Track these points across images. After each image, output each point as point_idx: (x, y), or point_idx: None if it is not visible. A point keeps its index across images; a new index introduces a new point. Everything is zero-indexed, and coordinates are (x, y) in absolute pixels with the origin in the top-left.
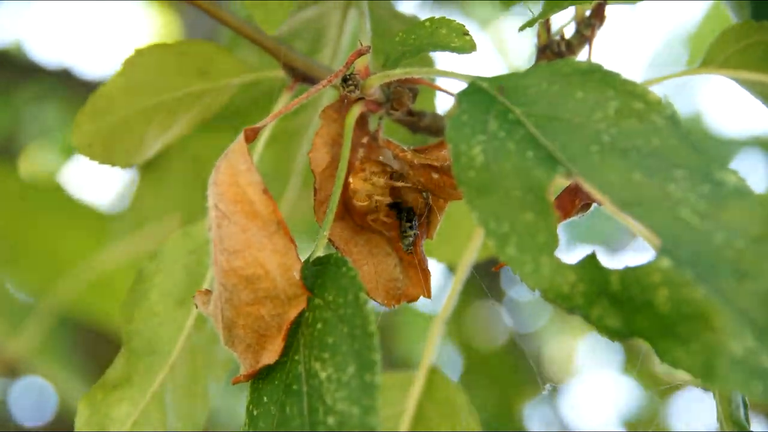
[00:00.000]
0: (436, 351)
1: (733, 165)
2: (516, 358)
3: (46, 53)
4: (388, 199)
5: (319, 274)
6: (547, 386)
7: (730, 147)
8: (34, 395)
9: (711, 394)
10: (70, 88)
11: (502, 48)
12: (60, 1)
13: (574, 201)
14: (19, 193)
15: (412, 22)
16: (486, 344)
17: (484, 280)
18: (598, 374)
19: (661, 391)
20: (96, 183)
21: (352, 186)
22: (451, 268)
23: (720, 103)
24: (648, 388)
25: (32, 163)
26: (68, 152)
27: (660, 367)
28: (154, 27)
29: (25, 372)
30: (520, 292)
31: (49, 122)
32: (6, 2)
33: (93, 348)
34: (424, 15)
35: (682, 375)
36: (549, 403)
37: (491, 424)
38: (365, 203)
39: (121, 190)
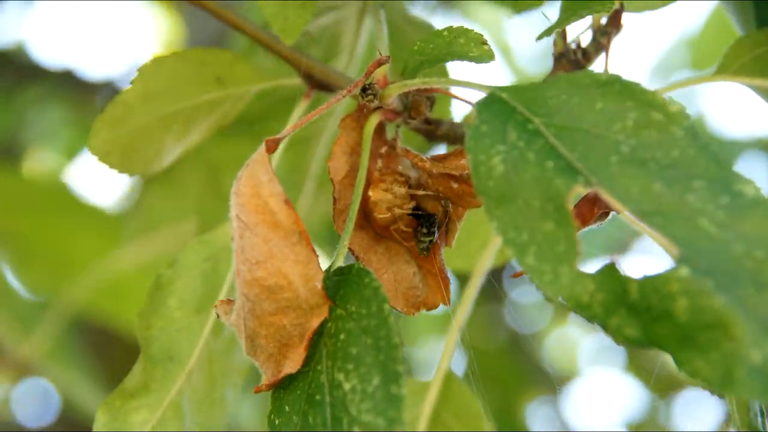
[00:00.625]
0: (451, 357)
1: (735, 167)
2: (519, 358)
3: (48, 54)
4: (408, 209)
5: (340, 285)
6: (557, 389)
7: (732, 149)
8: (36, 396)
9: (713, 395)
10: (72, 89)
11: (506, 51)
12: (62, 2)
13: (592, 209)
14: (25, 195)
15: (426, 27)
16: (489, 345)
17: (487, 282)
18: (601, 374)
19: (663, 391)
20: (98, 184)
21: (372, 198)
22: (460, 276)
23: (722, 106)
24: (651, 389)
25: (35, 164)
26: (71, 153)
27: (663, 368)
28: (158, 29)
29: (35, 374)
30: (522, 294)
31: (51, 123)
32: (8, 3)
33: (103, 350)
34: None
35: (684, 376)
36: (552, 403)
37: (493, 424)
38: (386, 215)
39: (126, 192)
